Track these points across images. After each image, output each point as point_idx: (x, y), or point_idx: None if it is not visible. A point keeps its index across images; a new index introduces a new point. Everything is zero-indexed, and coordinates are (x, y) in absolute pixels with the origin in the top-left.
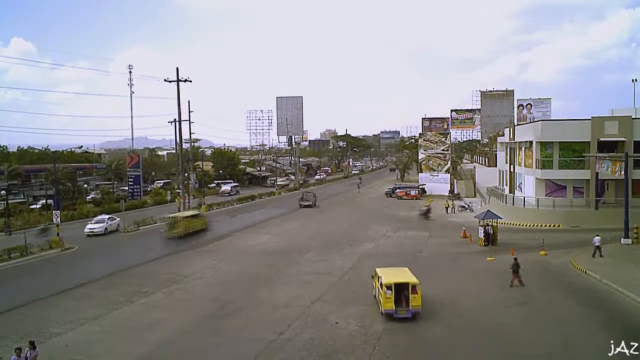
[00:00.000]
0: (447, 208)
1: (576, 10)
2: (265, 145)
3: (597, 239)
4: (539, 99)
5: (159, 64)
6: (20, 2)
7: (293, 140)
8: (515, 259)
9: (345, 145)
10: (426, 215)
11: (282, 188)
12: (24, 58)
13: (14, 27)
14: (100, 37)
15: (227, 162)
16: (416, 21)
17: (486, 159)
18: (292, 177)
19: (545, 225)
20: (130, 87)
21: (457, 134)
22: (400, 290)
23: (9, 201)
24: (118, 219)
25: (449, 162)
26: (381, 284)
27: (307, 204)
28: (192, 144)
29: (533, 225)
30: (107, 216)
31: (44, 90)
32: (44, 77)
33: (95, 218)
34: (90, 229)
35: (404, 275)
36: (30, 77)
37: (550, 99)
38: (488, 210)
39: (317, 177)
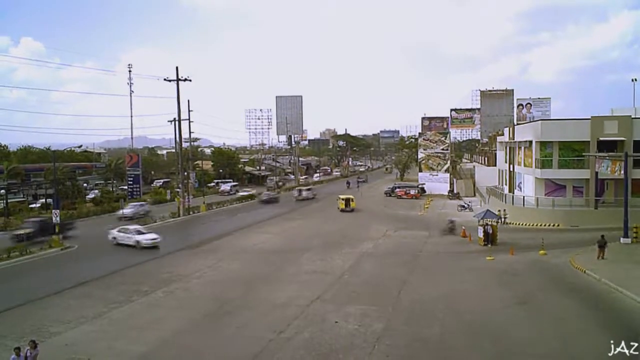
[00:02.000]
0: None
1: (579, 11)
2: (265, 144)
3: None
4: (539, 98)
5: (163, 63)
6: (30, 2)
7: (292, 140)
8: (603, 235)
9: (344, 145)
10: (347, 186)
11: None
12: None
13: (24, 26)
14: (108, 37)
15: (226, 161)
16: (417, 21)
17: (486, 159)
18: (292, 176)
19: (545, 225)
20: (130, 86)
21: (456, 134)
22: (347, 201)
23: (9, 200)
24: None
25: (449, 162)
26: (340, 199)
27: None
28: (192, 143)
29: (532, 225)
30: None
31: (49, 89)
32: (51, 77)
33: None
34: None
35: (349, 195)
36: (38, 76)
37: (549, 98)
38: (487, 210)
39: (315, 177)
